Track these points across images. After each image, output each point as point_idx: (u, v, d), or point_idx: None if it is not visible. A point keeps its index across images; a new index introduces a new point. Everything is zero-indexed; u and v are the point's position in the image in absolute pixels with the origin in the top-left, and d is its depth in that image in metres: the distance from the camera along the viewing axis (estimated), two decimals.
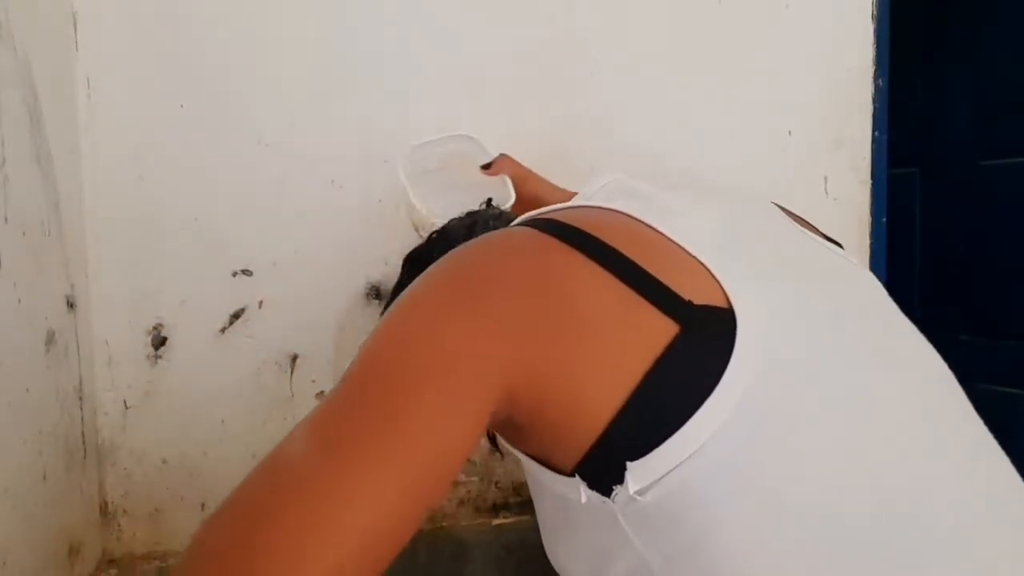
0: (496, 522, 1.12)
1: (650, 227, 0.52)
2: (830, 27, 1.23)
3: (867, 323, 0.54)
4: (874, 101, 1.25)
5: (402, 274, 0.82)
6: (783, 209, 0.65)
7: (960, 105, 2.03)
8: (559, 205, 0.59)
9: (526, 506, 1.14)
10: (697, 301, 0.47)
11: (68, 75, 0.97)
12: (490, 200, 0.82)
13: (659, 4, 1.16)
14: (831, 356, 0.49)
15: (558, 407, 0.47)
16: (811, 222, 0.67)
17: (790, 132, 1.22)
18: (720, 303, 0.47)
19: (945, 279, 2.04)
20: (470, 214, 0.80)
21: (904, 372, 0.52)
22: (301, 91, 1.05)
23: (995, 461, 0.51)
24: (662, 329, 0.46)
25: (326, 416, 0.45)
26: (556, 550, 0.58)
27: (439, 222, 0.81)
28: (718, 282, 0.48)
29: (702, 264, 0.49)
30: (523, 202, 0.84)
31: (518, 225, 0.56)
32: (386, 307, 0.78)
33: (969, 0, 1.99)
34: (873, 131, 1.25)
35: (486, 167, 0.90)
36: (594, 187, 0.62)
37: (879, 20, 1.24)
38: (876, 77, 1.25)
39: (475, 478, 1.14)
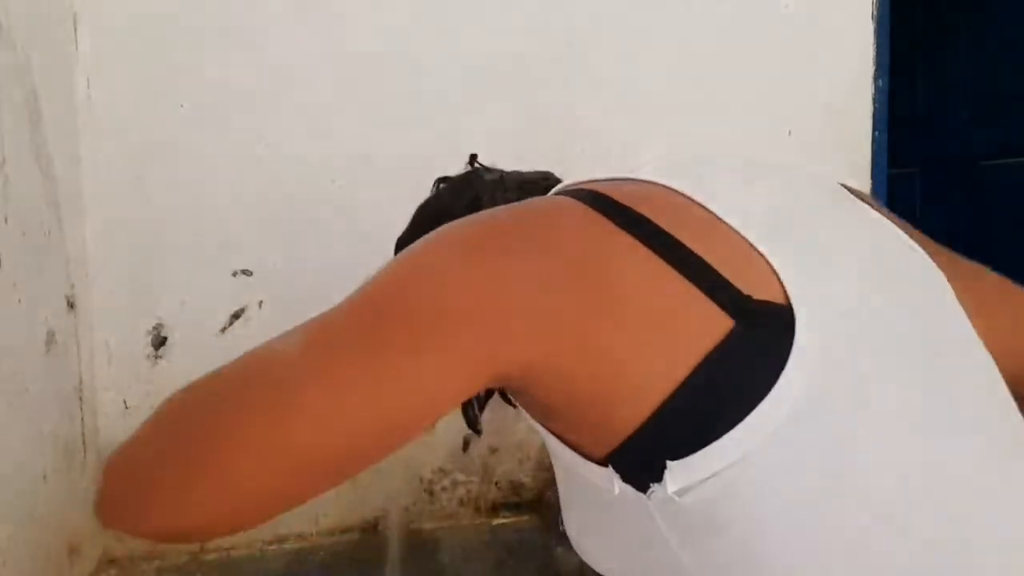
0: (496, 522, 1.12)
1: (707, 209, 0.47)
2: (830, 28, 1.23)
3: (925, 322, 0.50)
4: (874, 101, 1.25)
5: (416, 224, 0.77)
6: (850, 189, 0.60)
7: (960, 105, 2.03)
8: (602, 176, 0.53)
9: (526, 506, 1.14)
10: (756, 296, 0.43)
11: (68, 75, 0.97)
12: (473, 157, 0.79)
13: (659, 5, 1.16)
14: (886, 358, 0.46)
15: (588, 393, 0.44)
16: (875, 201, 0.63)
17: (790, 132, 1.22)
18: (779, 299, 0.43)
19: None
20: (466, 180, 0.75)
21: (957, 376, 0.49)
22: (301, 92, 1.05)
23: None
24: (715, 323, 0.42)
25: (325, 324, 0.45)
26: (577, 529, 0.56)
27: None
28: (778, 276, 0.44)
29: (763, 256, 0.45)
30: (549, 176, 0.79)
31: (565, 194, 0.51)
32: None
33: (969, 0, 1.99)
34: (873, 131, 1.25)
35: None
36: (644, 161, 0.56)
37: (879, 20, 1.24)
38: (876, 77, 1.25)
39: (475, 478, 1.14)
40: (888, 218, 0.58)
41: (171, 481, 0.41)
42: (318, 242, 1.06)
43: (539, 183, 0.71)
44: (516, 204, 0.50)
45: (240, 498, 0.41)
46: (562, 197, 0.50)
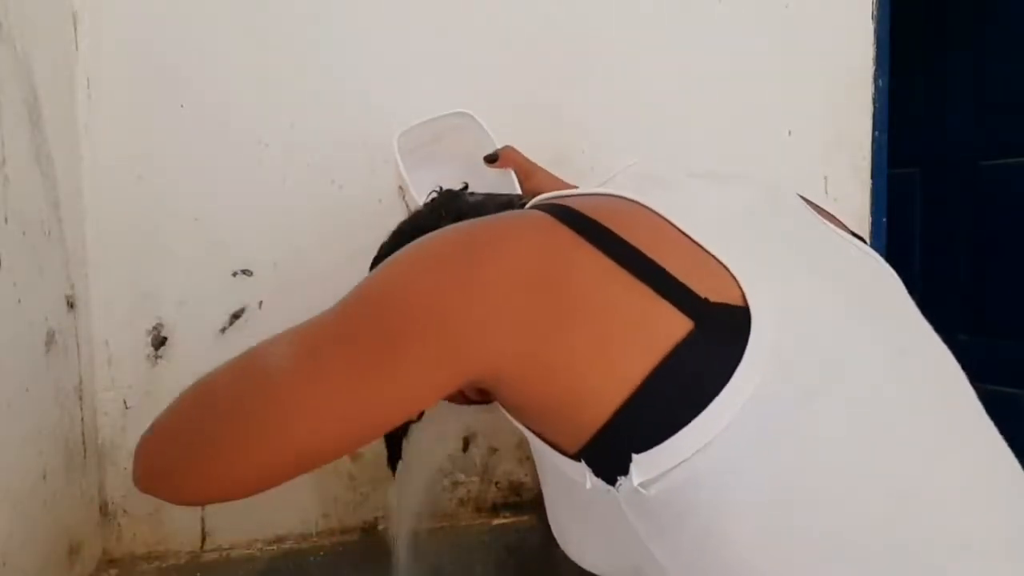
0: (496, 522, 1.12)
1: (666, 219, 0.51)
2: (830, 27, 1.23)
3: (883, 322, 0.53)
4: (874, 101, 1.25)
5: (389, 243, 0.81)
6: (807, 201, 0.64)
7: (960, 105, 2.03)
8: (573, 191, 0.58)
9: (526, 506, 1.14)
10: (713, 298, 0.46)
11: (68, 75, 0.97)
12: (466, 185, 0.80)
13: (659, 4, 1.16)
14: (845, 357, 0.48)
15: (555, 393, 0.47)
16: (833, 214, 0.66)
17: (790, 132, 1.22)
18: (736, 301, 0.47)
19: (945, 279, 2.04)
20: (445, 200, 0.78)
21: (916, 373, 0.51)
22: (301, 91, 1.05)
23: (1003, 460, 0.51)
24: (675, 325, 0.46)
25: (313, 330, 0.51)
26: (560, 524, 0.59)
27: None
28: (735, 279, 0.48)
29: (719, 260, 0.48)
30: (528, 196, 0.84)
31: (531, 208, 0.55)
32: (375, 263, 0.78)
33: (969, 0, 1.99)
34: (873, 131, 1.25)
35: (491, 159, 0.89)
36: (612, 171, 0.62)
37: (879, 20, 1.24)
38: (876, 77, 1.25)
39: (475, 478, 1.14)
40: (840, 226, 0.63)
41: (195, 461, 0.51)
42: (318, 242, 1.06)
43: (515, 203, 0.74)
44: (486, 218, 0.53)
45: (249, 473, 0.49)
46: (531, 211, 0.53)
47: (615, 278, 0.47)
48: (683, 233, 0.50)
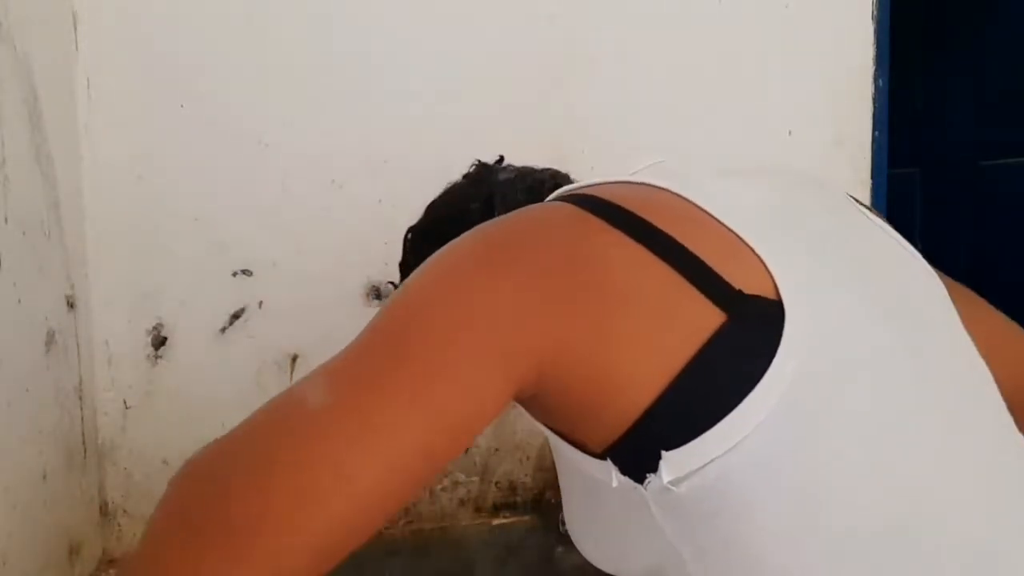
0: (496, 522, 1.12)
1: (699, 207, 0.49)
2: (830, 27, 1.23)
3: (916, 322, 0.51)
4: (874, 101, 1.25)
5: (413, 246, 0.78)
6: (855, 200, 0.62)
7: (960, 105, 2.03)
8: (599, 180, 0.55)
9: (526, 506, 1.14)
10: (747, 291, 0.45)
11: (68, 75, 0.97)
12: (501, 159, 0.79)
13: (659, 4, 1.16)
14: (872, 357, 0.47)
15: (591, 387, 0.45)
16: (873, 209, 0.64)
17: (790, 132, 1.22)
18: (770, 294, 0.45)
19: None
20: (479, 177, 0.76)
21: (944, 374, 0.50)
22: (301, 91, 1.05)
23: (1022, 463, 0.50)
24: (708, 317, 0.44)
25: (346, 363, 0.44)
26: (579, 526, 0.57)
27: None
28: (769, 271, 0.46)
29: (754, 252, 0.46)
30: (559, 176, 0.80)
31: (557, 200, 0.53)
32: (403, 274, 0.75)
33: (969, 0, 1.99)
34: (873, 131, 1.25)
35: None
36: (637, 167, 0.58)
37: (879, 20, 1.24)
38: (876, 77, 1.25)
39: (475, 478, 1.14)
40: (887, 226, 0.60)
41: (217, 550, 0.38)
42: (318, 242, 1.06)
43: (547, 183, 0.73)
44: (511, 215, 0.51)
45: (288, 553, 0.38)
46: (557, 203, 0.51)
47: (650, 267, 0.45)
48: (718, 221, 0.48)
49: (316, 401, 0.42)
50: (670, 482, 0.44)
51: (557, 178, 0.75)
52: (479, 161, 0.77)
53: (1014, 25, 1.90)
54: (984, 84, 1.98)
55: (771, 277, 0.45)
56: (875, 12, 1.24)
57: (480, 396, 0.43)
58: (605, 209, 0.48)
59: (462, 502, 1.14)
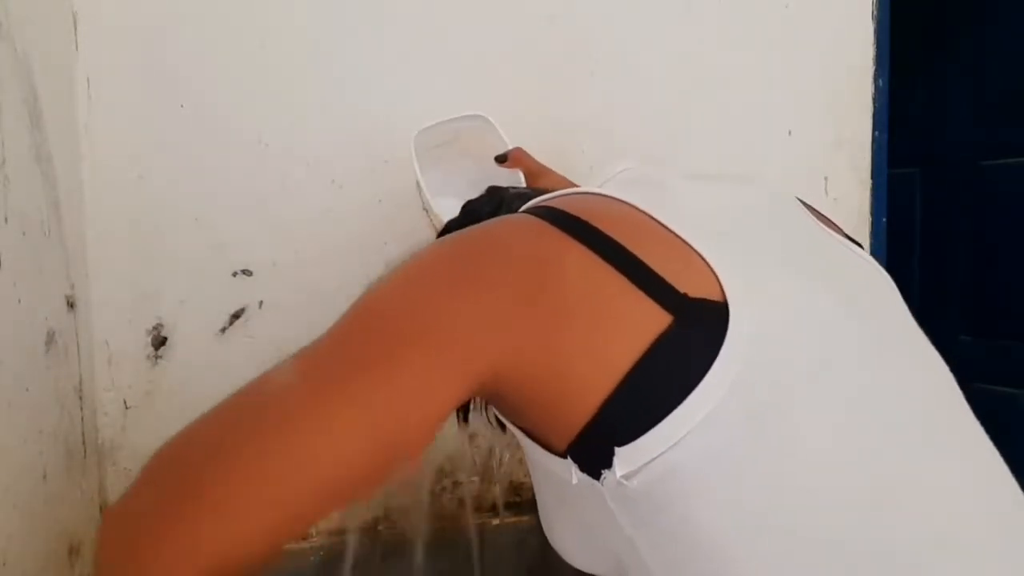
0: (496, 522, 1.12)
1: (652, 218, 0.52)
2: (830, 27, 1.23)
3: (870, 324, 0.54)
4: (874, 101, 1.25)
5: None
6: (805, 205, 0.65)
7: (960, 105, 2.03)
8: (563, 191, 0.60)
9: (526, 506, 1.14)
10: (692, 294, 0.48)
11: (68, 75, 0.97)
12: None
13: (659, 4, 1.16)
14: (828, 355, 0.49)
15: (547, 390, 0.49)
16: (830, 218, 0.67)
17: (790, 132, 1.22)
18: (716, 297, 0.48)
19: (945, 279, 2.04)
20: (493, 194, 0.80)
21: (901, 373, 0.52)
22: (301, 91, 1.05)
23: (989, 461, 0.51)
24: (654, 319, 0.47)
25: (313, 355, 0.48)
26: (551, 524, 0.61)
27: (444, 201, 0.81)
28: (716, 275, 0.49)
29: (702, 257, 0.50)
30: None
31: (524, 211, 0.57)
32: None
33: (969, 0, 1.99)
34: (873, 131, 1.25)
35: (500, 159, 0.91)
36: (608, 175, 0.63)
37: (879, 20, 1.24)
38: (876, 77, 1.25)
39: (475, 478, 1.14)
40: (836, 230, 0.64)
41: (177, 520, 0.41)
42: (318, 242, 1.06)
43: (505, 207, 0.78)
44: (476, 227, 0.55)
45: (246, 531, 0.42)
46: (522, 215, 0.56)
47: (600, 272, 0.48)
48: (667, 229, 0.51)
49: (282, 392, 0.46)
50: (622, 476, 0.46)
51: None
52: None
53: (1014, 25, 1.90)
54: (984, 84, 1.98)
55: (718, 280, 0.48)
56: (875, 12, 1.24)
57: (434, 399, 0.47)
58: (560, 219, 0.51)
59: (462, 502, 1.14)
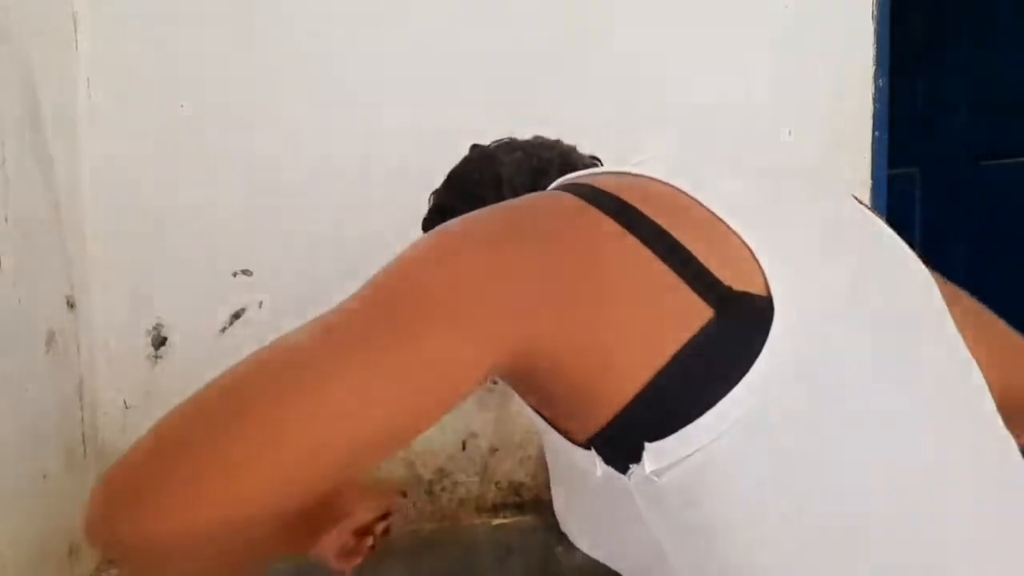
0: (496, 522, 1.12)
1: (696, 200, 0.49)
2: (830, 27, 1.23)
3: (906, 321, 0.52)
4: (874, 101, 1.25)
5: (444, 188, 0.82)
6: (856, 199, 0.62)
7: (960, 105, 2.03)
8: (601, 170, 0.56)
9: (526, 506, 1.14)
10: (736, 287, 0.45)
11: (68, 75, 0.97)
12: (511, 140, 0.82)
13: (659, 4, 1.16)
14: (861, 355, 0.47)
15: (577, 378, 0.46)
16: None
17: (790, 132, 1.22)
18: (759, 290, 0.45)
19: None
20: (483, 158, 0.79)
21: (933, 371, 0.51)
22: (301, 92, 1.05)
23: (1014, 461, 0.50)
24: (696, 312, 0.45)
25: (339, 316, 0.46)
26: (566, 515, 0.59)
27: None
28: (761, 268, 0.46)
29: (747, 245, 0.47)
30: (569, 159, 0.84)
31: (558, 189, 0.54)
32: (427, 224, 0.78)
33: (969, 0, 1.99)
34: (873, 131, 1.25)
35: None
36: (643, 157, 0.59)
37: (879, 20, 1.24)
38: (876, 77, 1.25)
39: (475, 478, 1.14)
40: (885, 226, 0.60)
41: (180, 473, 0.41)
42: (318, 242, 1.06)
43: (555, 162, 0.77)
44: (517, 200, 0.52)
45: (252, 488, 0.41)
46: (560, 192, 0.52)
47: (642, 259, 0.46)
48: (712, 213, 0.48)
49: (303, 354, 0.44)
50: (652, 472, 0.45)
51: (565, 157, 0.78)
52: (476, 145, 0.80)
53: (1014, 25, 1.90)
54: (984, 84, 1.98)
55: (763, 274, 0.46)
56: (875, 12, 1.24)
57: (458, 374, 0.45)
58: (604, 200, 0.48)
59: (462, 502, 1.13)
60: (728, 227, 0.48)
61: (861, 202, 0.62)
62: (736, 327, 0.45)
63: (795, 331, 0.45)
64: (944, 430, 0.49)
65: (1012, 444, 0.52)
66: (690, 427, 0.44)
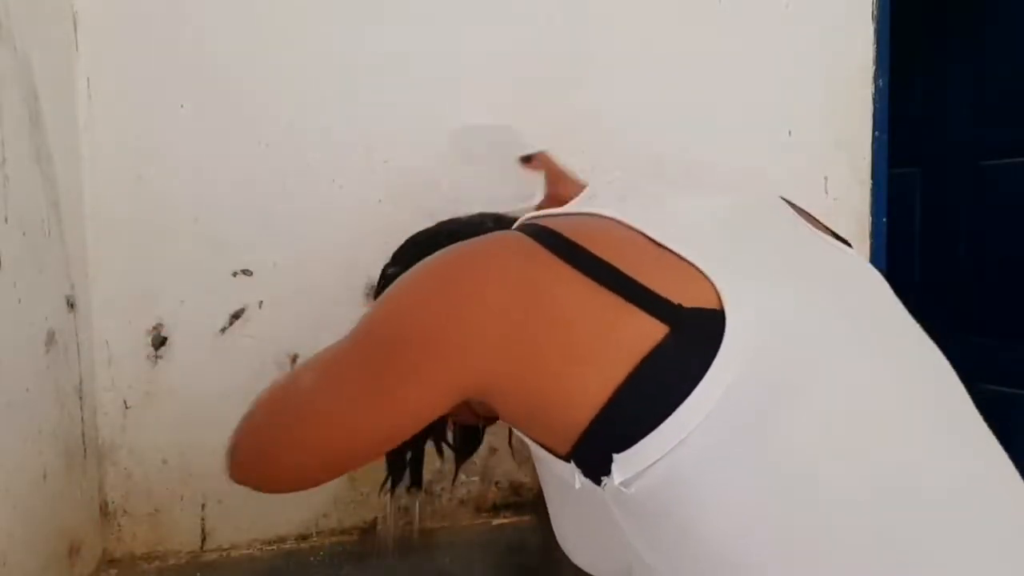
0: (496, 522, 1.13)
1: (642, 233, 0.54)
2: (830, 27, 1.23)
3: (864, 323, 0.54)
4: (874, 101, 1.25)
5: (403, 251, 0.84)
6: (792, 205, 0.65)
7: (960, 105, 2.03)
8: (555, 210, 0.61)
9: (526, 506, 1.14)
10: (688, 304, 0.48)
11: (68, 75, 0.97)
12: (500, 216, 0.84)
13: (659, 4, 1.16)
14: (823, 357, 0.49)
15: (542, 402, 0.51)
16: (817, 218, 0.67)
17: (790, 132, 1.22)
18: (712, 304, 0.48)
19: (945, 279, 2.04)
20: (479, 215, 0.82)
21: (899, 367, 0.52)
22: (301, 92, 1.05)
23: (993, 457, 0.51)
24: (650, 330, 0.48)
25: (331, 359, 0.58)
26: (558, 523, 0.62)
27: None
28: (712, 284, 0.49)
29: (696, 268, 0.51)
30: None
31: (515, 229, 0.58)
32: (381, 283, 0.83)
33: (969, 0, 1.99)
34: (873, 131, 1.25)
35: (526, 159, 0.92)
36: (597, 187, 0.65)
37: (879, 20, 1.24)
38: (876, 77, 1.25)
39: (475, 478, 1.14)
40: (824, 230, 0.65)
41: (272, 452, 0.59)
42: (318, 242, 1.06)
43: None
44: (469, 242, 0.57)
45: (305, 464, 0.58)
46: (512, 233, 0.57)
47: (589, 293, 0.50)
48: (659, 244, 0.53)
49: (303, 380, 0.59)
50: (621, 483, 0.47)
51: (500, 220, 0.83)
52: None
53: (1014, 25, 1.90)
54: (984, 84, 1.98)
55: (714, 289, 0.49)
56: (875, 12, 1.24)
57: (428, 404, 0.54)
58: (554, 241, 0.53)
59: (462, 502, 1.14)
60: (676, 254, 0.52)
61: (804, 214, 0.65)
62: (690, 339, 0.48)
63: (748, 336, 0.47)
64: (910, 415, 0.50)
65: (987, 431, 0.53)
66: (652, 435, 0.46)
